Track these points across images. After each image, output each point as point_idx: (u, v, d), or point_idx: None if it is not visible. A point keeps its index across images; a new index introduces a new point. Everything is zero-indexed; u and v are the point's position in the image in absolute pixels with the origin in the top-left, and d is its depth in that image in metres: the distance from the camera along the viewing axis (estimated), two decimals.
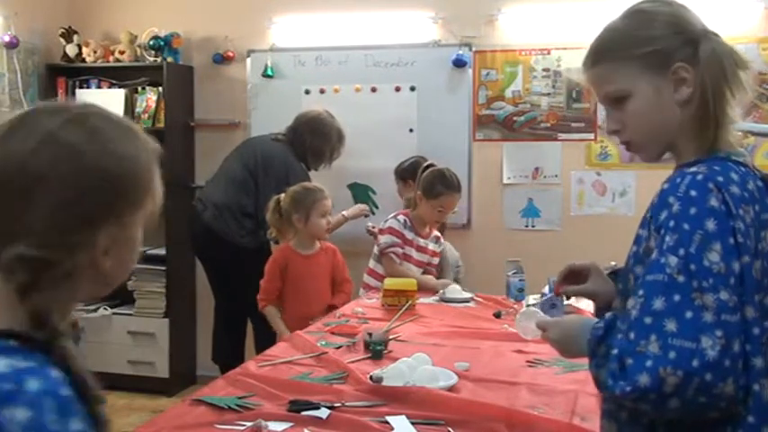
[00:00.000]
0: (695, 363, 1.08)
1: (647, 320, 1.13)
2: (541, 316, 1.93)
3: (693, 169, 1.24)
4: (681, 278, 1.13)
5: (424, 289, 3.40)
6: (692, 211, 1.17)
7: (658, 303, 1.13)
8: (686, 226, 1.16)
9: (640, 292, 1.17)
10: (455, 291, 3.36)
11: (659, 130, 1.33)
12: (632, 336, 1.14)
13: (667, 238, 1.17)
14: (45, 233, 0.85)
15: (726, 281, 1.13)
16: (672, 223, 1.17)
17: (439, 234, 3.78)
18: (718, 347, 1.09)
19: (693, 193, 1.19)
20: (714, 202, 1.18)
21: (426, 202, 3.58)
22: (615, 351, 1.18)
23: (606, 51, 1.34)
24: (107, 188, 0.89)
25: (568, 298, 1.83)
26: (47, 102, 0.94)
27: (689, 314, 1.11)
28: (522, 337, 2.20)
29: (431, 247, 3.72)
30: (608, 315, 1.29)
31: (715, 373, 1.09)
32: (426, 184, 3.59)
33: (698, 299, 1.12)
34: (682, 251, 1.15)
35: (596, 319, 1.32)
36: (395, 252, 3.57)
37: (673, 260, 1.15)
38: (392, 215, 3.72)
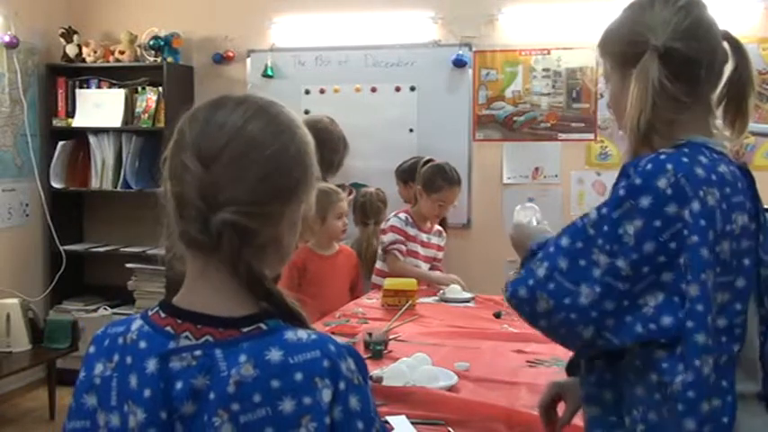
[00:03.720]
0: (567, 300, 1.22)
1: (551, 249, 1.27)
2: (534, 212, 1.89)
3: (662, 150, 1.27)
4: (591, 231, 1.23)
5: (433, 283, 3.50)
6: (638, 182, 1.22)
7: (564, 241, 1.26)
8: (622, 192, 1.23)
9: (563, 229, 1.29)
10: (455, 291, 3.37)
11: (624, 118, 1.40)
12: (539, 255, 1.30)
13: (605, 197, 1.26)
14: (246, 202, 0.95)
15: (629, 253, 1.19)
16: (619, 188, 1.24)
17: (441, 228, 3.79)
18: (590, 298, 1.21)
19: (649, 167, 1.22)
20: (662, 184, 1.20)
21: (427, 197, 3.59)
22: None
23: (600, 42, 1.44)
24: (297, 167, 1.01)
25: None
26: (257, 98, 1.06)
27: (582, 262, 1.23)
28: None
29: (434, 241, 3.74)
30: (550, 236, 1.40)
31: (579, 316, 1.22)
32: (427, 178, 3.60)
33: (596, 254, 1.22)
34: (605, 210, 1.23)
35: (553, 236, 1.39)
36: (398, 249, 3.58)
37: (593, 214, 1.25)
38: (393, 213, 3.73)
